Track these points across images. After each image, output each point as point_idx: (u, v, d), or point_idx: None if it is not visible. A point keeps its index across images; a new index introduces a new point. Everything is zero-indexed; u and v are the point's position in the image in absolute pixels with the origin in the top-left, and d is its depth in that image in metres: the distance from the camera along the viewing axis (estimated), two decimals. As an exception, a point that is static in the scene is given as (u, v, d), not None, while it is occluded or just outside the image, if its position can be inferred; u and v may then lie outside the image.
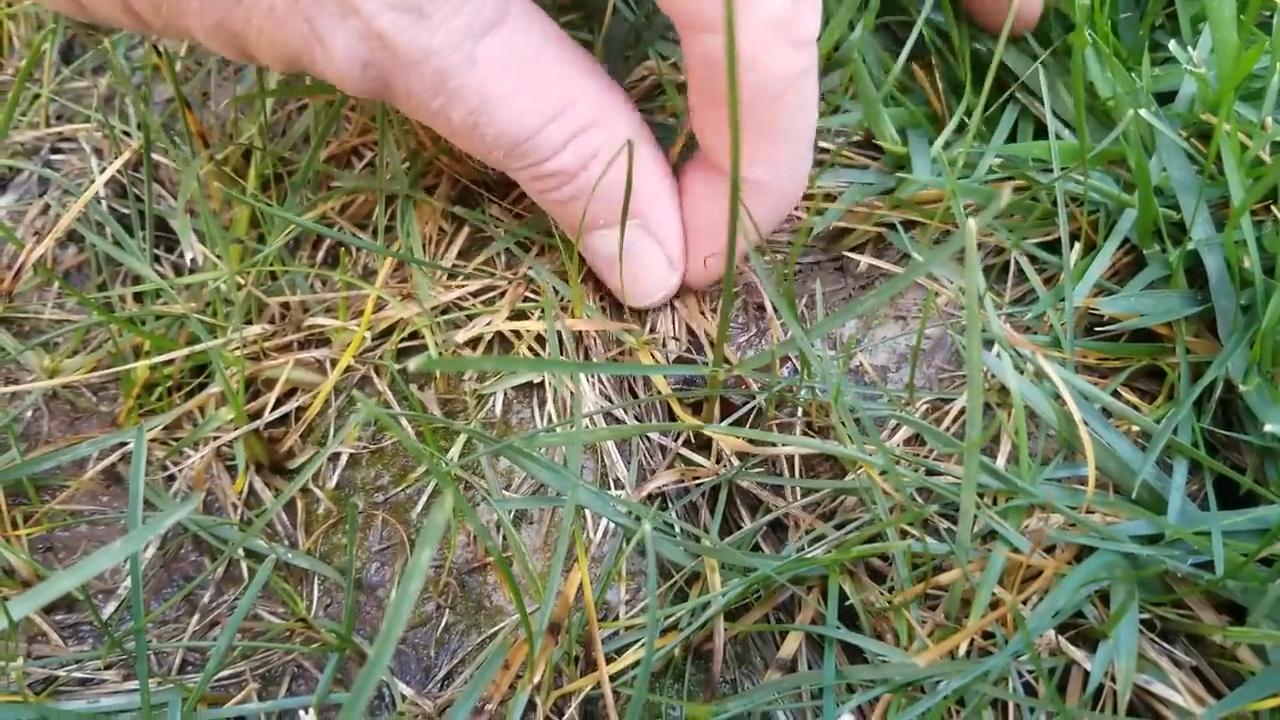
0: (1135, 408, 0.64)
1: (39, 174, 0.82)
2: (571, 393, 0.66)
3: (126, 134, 0.83)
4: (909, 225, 0.72)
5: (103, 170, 0.81)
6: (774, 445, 0.64)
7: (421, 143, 0.76)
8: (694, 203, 0.65)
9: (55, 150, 0.85)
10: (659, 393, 0.68)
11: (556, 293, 0.69)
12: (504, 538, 0.63)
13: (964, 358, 0.67)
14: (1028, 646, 0.52)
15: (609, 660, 0.58)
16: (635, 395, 0.69)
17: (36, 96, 0.88)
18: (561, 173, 0.60)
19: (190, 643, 0.63)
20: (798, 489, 0.65)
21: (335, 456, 0.68)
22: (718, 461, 0.67)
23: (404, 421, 0.67)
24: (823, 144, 0.75)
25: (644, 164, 0.62)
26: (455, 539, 0.64)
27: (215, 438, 0.69)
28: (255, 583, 0.58)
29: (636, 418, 0.69)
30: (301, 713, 0.58)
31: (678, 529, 0.64)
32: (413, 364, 0.47)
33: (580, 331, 0.68)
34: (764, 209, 0.62)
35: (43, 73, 0.88)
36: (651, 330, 0.70)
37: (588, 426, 0.65)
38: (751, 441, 0.64)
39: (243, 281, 0.71)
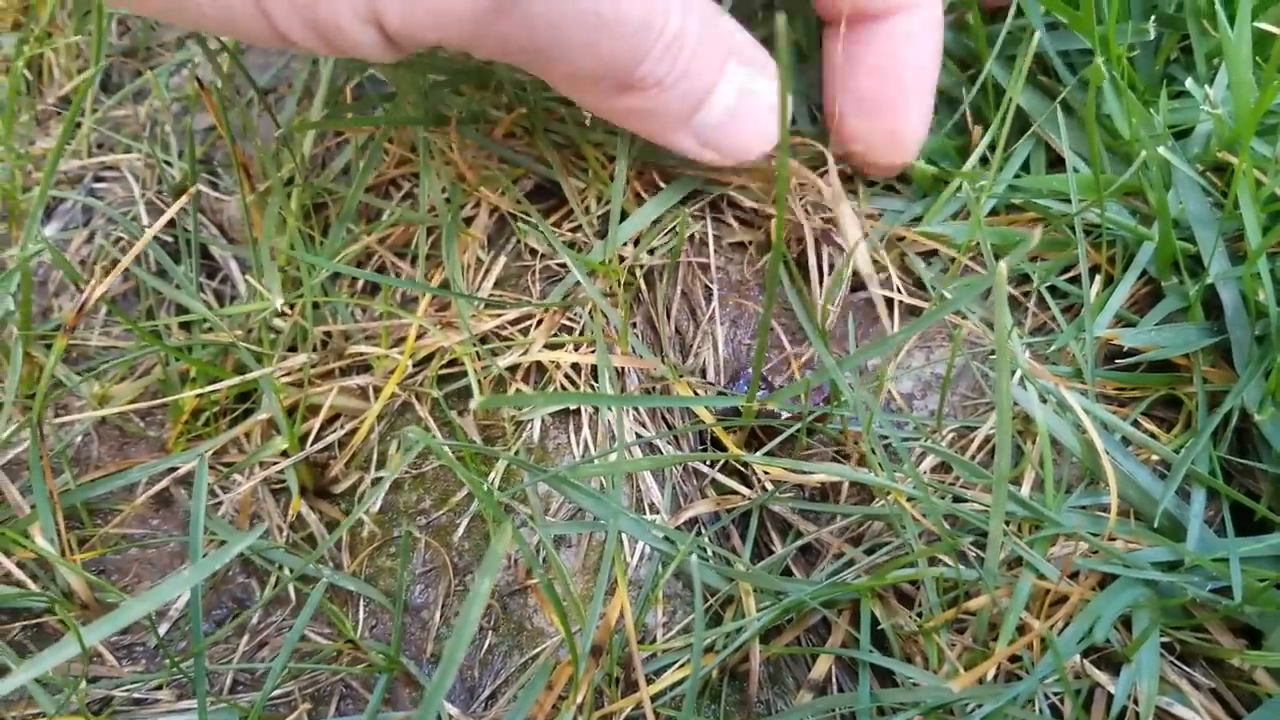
0: (1154, 436, 0.67)
1: (84, 203, 0.85)
2: (610, 421, 0.68)
3: (168, 163, 0.85)
4: (931, 254, 0.75)
5: (145, 198, 0.84)
6: (808, 473, 0.66)
7: (461, 174, 0.78)
8: (859, 67, 0.72)
9: (98, 179, 0.87)
10: (700, 422, 0.70)
11: (606, 319, 0.71)
12: (545, 561, 0.65)
13: (986, 386, 0.69)
14: (1059, 670, 0.54)
15: (648, 682, 0.60)
16: (669, 424, 0.72)
17: (78, 126, 0.90)
18: (678, 38, 0.59)
19: (242, 664, 0.65)
20: (826, 513, 0.67)
21: (378, 481, 0.71)
22: (748, 485, 0.69)
23: (446, 448, 0.69)
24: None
25: (717, 12, 0.64)
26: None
27: (264, 464, 0.71)
28: (308, 606, 0.60)
29: (671, 444, 0.71)
30: (356, 733, 0.60)
31: (711, 553, 0.66)
32: (474, 403, 0.50)
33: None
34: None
35: (85, 103, 0.90)
36: (687, 361, 0.73)
37: (626, 456, 0.67)
38: (788, 470, 0.66)
39: (289, 312, 0.73)
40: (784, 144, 0.48)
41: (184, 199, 0.70)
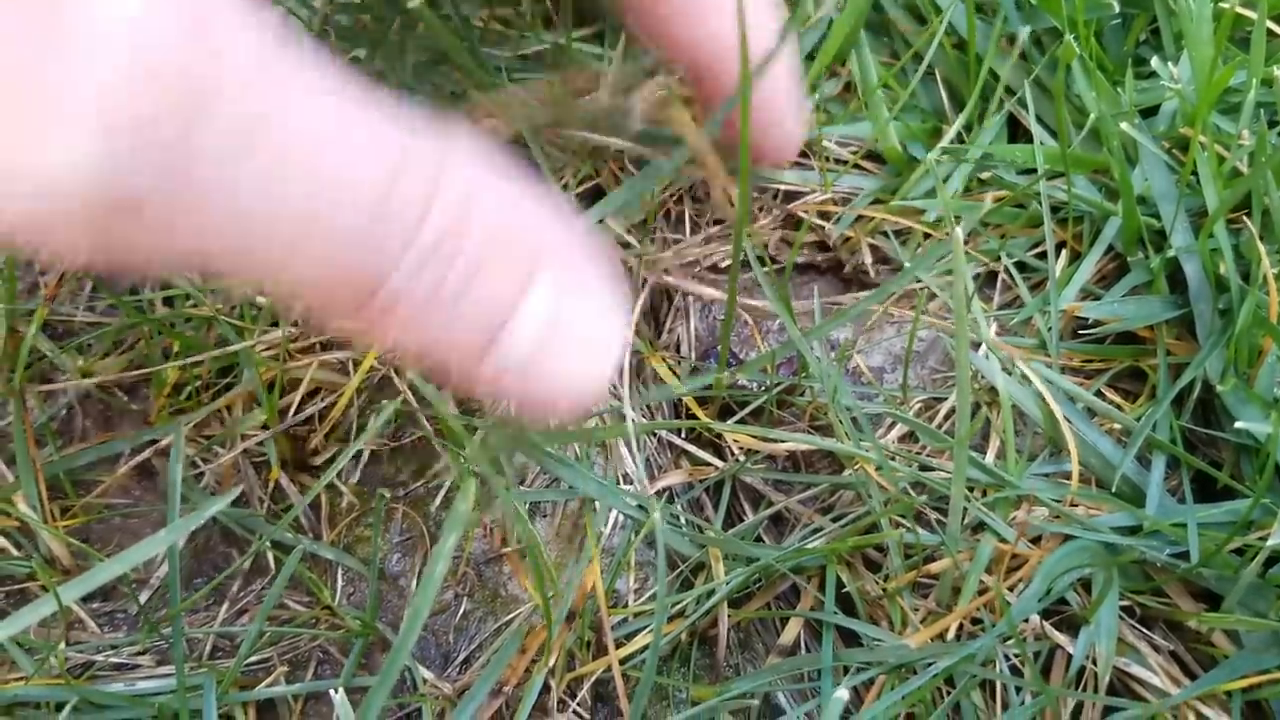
0: (1119, 407, 0.68)
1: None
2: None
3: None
4: (904, 232, 0.76)
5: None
6: (778, 442, 0.67)
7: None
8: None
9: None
10: (673, 392, 0.71)
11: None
12: (519, 530, 0.66)
13: (954, 359, 0.71)
14: (1011, 629, 0.55)
15: (619, 645, 0.62)
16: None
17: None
18: (446, 239, 0.37)
19: (221, 629, 0.67)
20: (798, 483, 0.68)
21: (358, 453, 0.72)
22: (721, 458, 0.70)
23: (423, 420, 0.70)
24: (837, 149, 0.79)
25: (522, 190, 0.41)
26: (473, 531, 0.68)
27: (245, 436, 0.72)
28: (284, 572, 0.61)
29: (645, 415, 0.73)
30: (331, 693, 0.61)
31: (684, 521, 0.67)
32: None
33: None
34: None
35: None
36: (661, 337, 0.74)
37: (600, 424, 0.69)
38: (757, 438, 0.67)
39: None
40: (745, 110, 0.49)
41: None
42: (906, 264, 0.73)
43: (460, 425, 0.68)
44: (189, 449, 0.73)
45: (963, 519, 0.59)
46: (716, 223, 0.78)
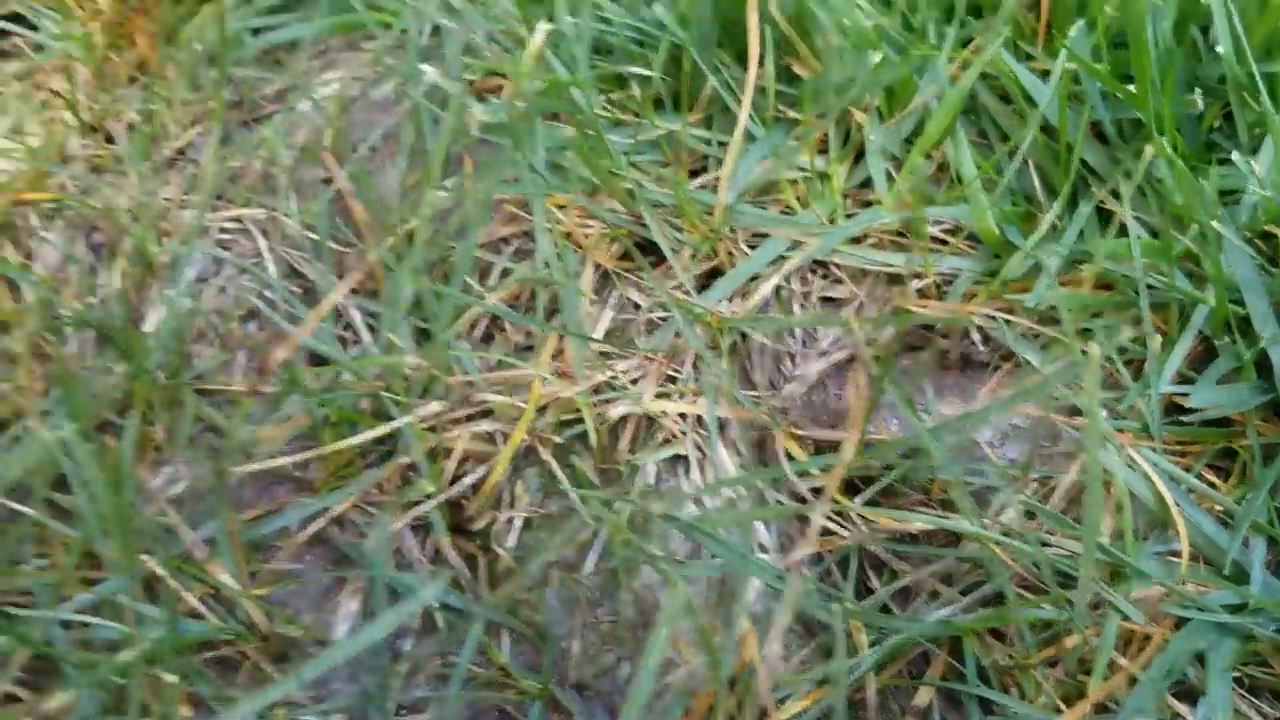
0: (1214, 485, 0.75)
1: (213, 255, 0.91)
2: (718, 463, 0.76)
3: (287, 216, 0.92)
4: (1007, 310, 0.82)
5: (275, 252, 0.90)
6: (907, 521, 0.73)
7: (569, 233, 0.85)
8: None
9: (222, 230, 0.93)
10: (808, 473, 0.77)
11: (708, 368, 0.79)
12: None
13: (1058, 434, 0.77)
14: (1145, 707, 0.62)
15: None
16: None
17: (195, 176, 0.96)
18: None
19: (422, 693, 0.72)
20: (917, 554, 0.75)
21: (511, 519, 0.78)
22: (846, 529, 0.77)
23: (570, 491, 0.76)
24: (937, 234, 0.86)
25: None
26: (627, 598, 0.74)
27: (410, 504, 0.78)
28: (470, 639, 0.68)
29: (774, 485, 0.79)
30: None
31: (815, 591, 0.74)
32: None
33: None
34: None
35: (205, 156, 0.96)
36: (785, 413, 0.80)
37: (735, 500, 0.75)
38: (892, 520, 0.74)
39: (423, 363, 0.80)
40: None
41: (346, 285, 0.76)
42: (1012, 346, 0.79)
43: (603, 498, 0.75)
44: (353, 515, 0.79)
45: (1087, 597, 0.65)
46: (824, 300, 0.85)
